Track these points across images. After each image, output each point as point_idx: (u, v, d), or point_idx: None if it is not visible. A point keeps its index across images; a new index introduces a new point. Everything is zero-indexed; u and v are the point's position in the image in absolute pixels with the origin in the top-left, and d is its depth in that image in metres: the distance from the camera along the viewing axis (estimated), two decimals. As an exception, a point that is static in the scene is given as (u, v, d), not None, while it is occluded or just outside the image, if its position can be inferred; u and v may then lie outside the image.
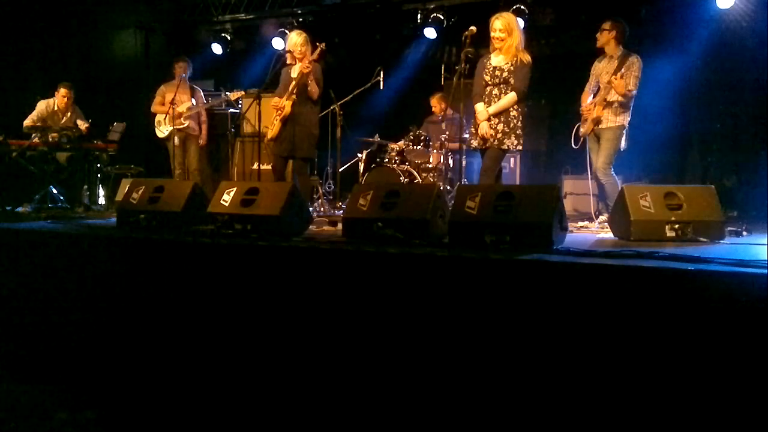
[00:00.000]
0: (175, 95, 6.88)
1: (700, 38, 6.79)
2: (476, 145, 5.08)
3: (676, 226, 3.82)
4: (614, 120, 5.23)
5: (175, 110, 6.89)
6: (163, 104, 7.07)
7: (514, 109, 4.91)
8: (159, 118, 7.16)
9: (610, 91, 5.20)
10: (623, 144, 5.26)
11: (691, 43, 6.86)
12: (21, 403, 3.55)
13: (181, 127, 7.01)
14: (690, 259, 2.85)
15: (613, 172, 5.22)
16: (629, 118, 5.26)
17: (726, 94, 7.33)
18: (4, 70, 8.21)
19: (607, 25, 5.33)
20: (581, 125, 5.45)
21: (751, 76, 7.12)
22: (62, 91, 7.19)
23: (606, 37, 5.32)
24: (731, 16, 7.04)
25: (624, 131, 5.24)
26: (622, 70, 5.15)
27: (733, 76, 7.29)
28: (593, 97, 5.46)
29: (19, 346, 4.05)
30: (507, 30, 4.88)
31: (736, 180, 7.24)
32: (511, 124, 4.91)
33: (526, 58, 4.93)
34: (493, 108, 4.89)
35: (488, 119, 4.92)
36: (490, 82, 4.96)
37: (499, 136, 4.91)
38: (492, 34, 4.92)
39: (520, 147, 5.04)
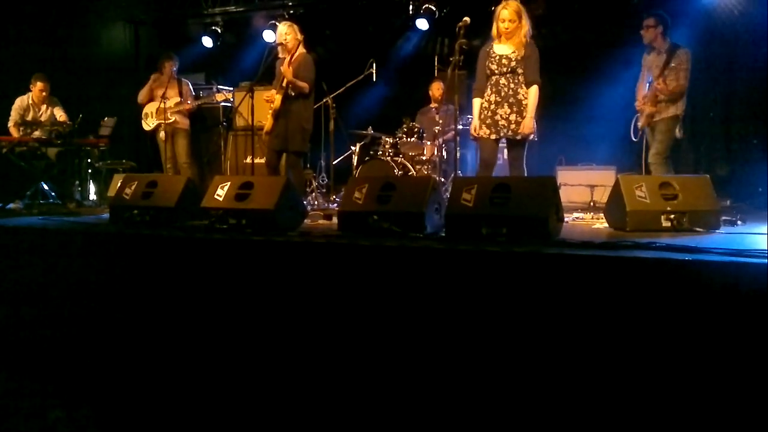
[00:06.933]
0: (166, 90, 6.88)
1: (691, 26, 6.77)
2: (483, 135, 4.84)
3: (672, 216, 3.81)
4: (667, 111, 5.30)
5: (165, 105, 6.87)
6: (151, 98, 7.03)
7: (525, 98, 4.75)
8: (146, 110, 7.10)
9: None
10: (679, 133, 5.30)
11: (683, 31, 6.84)
12: (15, 400, 3.52)
13: (169, 121, 6.95)
14: (688, 250, 2.85)
15: (669, 163, 5.24)
16: (684, 107, 5.30)
17: (717, 82, 7.33)
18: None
19: (651, 22, 5.40)
20: (639, 118, 5.50)
21: (742, 64, 7.14)
22: (39, 84, 7.10)
23: (652, 33, 5.39)
24: (722, 4, 7.06)
25: (679, 120, 5.27)
26: (672, 64, 5.21)
27: (725, 65, 7.29)
28: (648, 90, 5.52)
29: (12, 343, 4.01)
30: (516, 19, 4.72)
31: (728, 169, 7.25)
32: (524, 114, 4.75)
33: (535, 47, 4.80)
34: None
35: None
36: (496, 71, 4.78)
37: (513, 126, 4.75)
38: (500, 24, 4.75)
39: (535, 137, 4.98)
